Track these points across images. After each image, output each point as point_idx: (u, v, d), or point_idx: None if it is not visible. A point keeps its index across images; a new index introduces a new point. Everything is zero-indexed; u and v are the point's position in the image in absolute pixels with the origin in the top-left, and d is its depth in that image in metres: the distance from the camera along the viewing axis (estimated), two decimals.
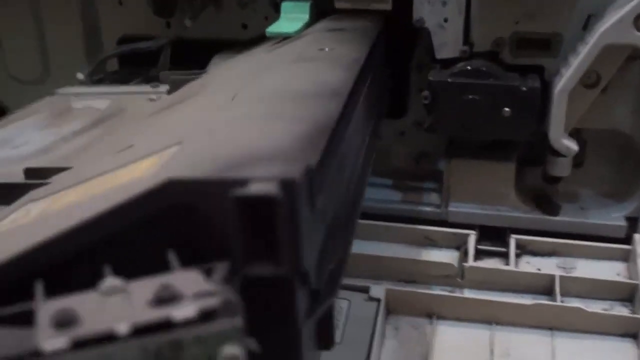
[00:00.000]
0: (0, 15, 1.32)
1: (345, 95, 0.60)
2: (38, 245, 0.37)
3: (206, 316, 0.32)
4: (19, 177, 0.62)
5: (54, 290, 0.34)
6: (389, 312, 0.96)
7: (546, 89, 0.97)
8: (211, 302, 0.32)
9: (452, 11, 0.98)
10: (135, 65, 1.15)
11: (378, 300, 0.97)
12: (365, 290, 0.97)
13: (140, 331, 0.31)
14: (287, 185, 0.36)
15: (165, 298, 0.32)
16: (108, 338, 0.31)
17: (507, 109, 0.96)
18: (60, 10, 1.29)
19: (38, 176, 0.61)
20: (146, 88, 0.99)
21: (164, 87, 0.97)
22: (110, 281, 0.33)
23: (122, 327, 0.31)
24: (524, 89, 0.95)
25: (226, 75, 0.87)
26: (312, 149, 0.44)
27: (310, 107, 0.54)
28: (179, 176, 0.38)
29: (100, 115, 0.84)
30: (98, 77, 1.12)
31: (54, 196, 0.50)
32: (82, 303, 0.32)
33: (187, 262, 0.36)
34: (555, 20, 0.96)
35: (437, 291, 0.99)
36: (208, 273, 0.35)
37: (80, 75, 1.11)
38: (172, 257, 0.36)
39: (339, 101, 0.57)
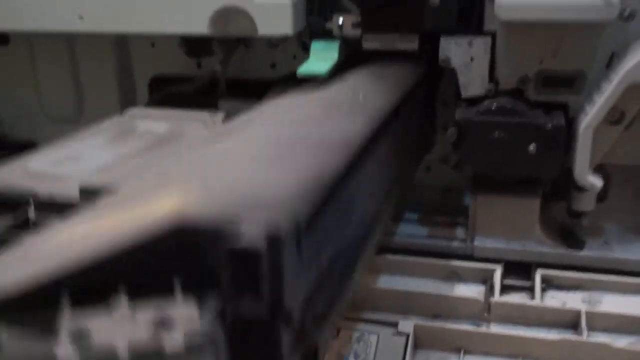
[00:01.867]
0: (38, 56, 1.35)
1: (356, 146, 0.63)
2: (60, 268, 0.42)
3: (193, 349, 0.37)
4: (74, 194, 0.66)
5: (76, 303, 0.41)
6: (417, 346, 0.95)
7: (571, 125, 0.97)
8: (199, 338, 0.37)
9: (478, 51, 0.98)
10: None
11: (407, 335, 0.96)
12: (394, 324, 0.97)
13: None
14: (272, 238, 0.40)
15: (162, 324, 0.37)
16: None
17: (532, 147, 0.96)
18: (95, 52, 1.31)
19: (91, 196, 0.63)
20: (204, 115, 1.00)
21: (221, 115, 0.98)
22: (120, 300, 0.39)
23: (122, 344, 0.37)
24: (550, 126, 0.95)
25: (266, 111, 0.89)
26: (307, 200, 0.48)
27: (318, 155, 0.57)
28: (181, 218, 0.42)
29: (157, 139, 0.87)
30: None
31: (83, 221, 0.53)
32: (94, 319, 0.39)
33: (187, 287, 0.42)
34: (579, 58, 0.96)
35: (465, 326, 0.98)
36: (202, 303, 0.41)
37: None
38: (176, 284, 0.41)
39: (348, 151, 0.60)
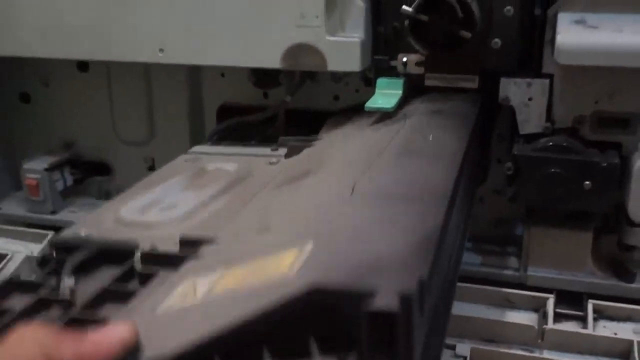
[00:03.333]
0: (115, 83, 1.41)
1: (447, 197, 0.66)
2: (214, 333, 0.46)
3: None
4: (172, 242, 0.68)
5: None
6: None
7: (624, 164, 1.00)
8: None
9: (536, 91, 1.02)
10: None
11: (464, 357, 0.99)
12: (452, 347, 1.00)
13: None
14: (404, 300, 0.43)
15: None
16: None
17: (587, 183, 0.99)
18: (169, 81, 1.37)
19: (191, 246, 0.66)
20: (266, 150, 1.04)
21: (282, 150, 1.03)
22: None
23: None
24: (604, 164, 0.98)
25: (338, 155, 0.91)
26: (424, 259, 0.51)
27: (420, 213, 0.60)
28: (320, 284, 0.45)
29: (231, 179, 0.90)
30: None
31: (214, 277, 0.57)
32: None
33: (324, 347, 0.45)
34: (634, 100, 0.99)
35: (519, 351, 1.01)
36: None
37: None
38: (313, 346, 0.45)
39: (444, 204, 0.63)
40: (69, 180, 1.48)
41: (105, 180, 1.51)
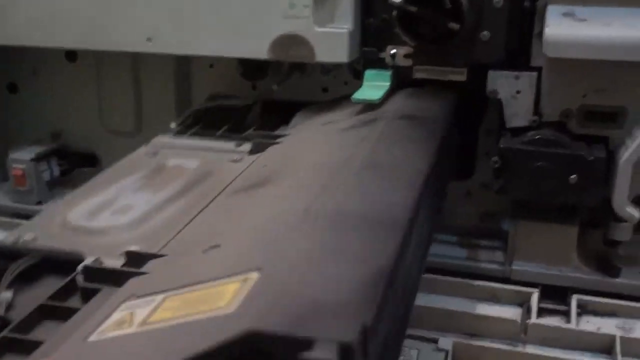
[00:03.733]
0: (103, 73, 1.39)
1: (407, 222, 0.62)
2: None
3: None
4: (120, 251, 0.66)
5: None
6: None
7: (611, 158, 0.99)
8: None
9: (524, 84, 1.01)
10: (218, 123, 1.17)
11: (446, 351, 0.98)
12: (434, 341, 0.99)
13: None
14: (344, 350, 0.41)
15: None
16: None
17: (573, 177, 0.98)
18: (157, 72, 1.36)
19: (136, 261, 0.65)
20: (230, 145, 1.01)
21: (247, 146, 1.00)
22: None
23: None
24: (591, 158, 0.97)
25: (301, 162, 0.85)
26: (372, 297, 0.48)
27: (375, 240, 0.57)
28: (257, 329, 0.43)
29: (189, 180, 0.87)
30: (187, 127, 1.16)
31: (154, 303, 0.54)
32: None
33: None
34: (621, 95, 0.99)
35: (502, 345, 1.00)
36: None
37: (173, 125, 1.16)
38: None
39: (402, 229, 0.60)
40: (56, 171, 1.46)
41: (92, 172, 1.48)
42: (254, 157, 0.96)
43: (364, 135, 0.88)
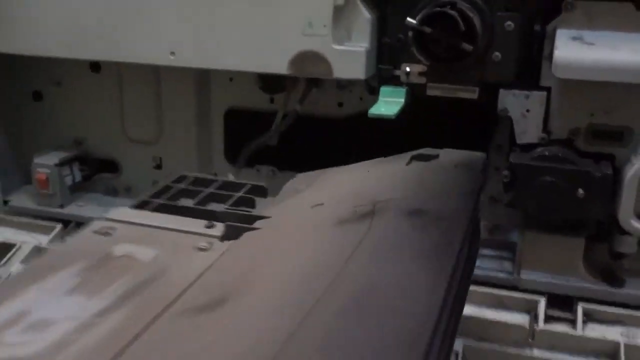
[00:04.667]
0: (125, 84, 1.42)
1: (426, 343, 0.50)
2: None
3: None
4: None
5: None
6: None
7: (616, 174, 1.02)
8: None
9: (533, 103, 1.04)
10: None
11: (457, 353, 1.02)
12: None
13: None
14: None
15: None
16: None
17: (581, 192, 1.01)
18: (178, 83, 1.39)
19: None
20: (200, 227, 0.79)
21: (219, 228, 0.78)
22: None
23: None
24: (598, 174, 1.00)
25: (270, 277, 0.66)
26: None
27: None
28: None
29: (135, 281, 0.67)
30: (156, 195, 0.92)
31: None
32: None
33: None
34: (628, 114, 1.02)
35: (510, 349, 1.04)
36: None
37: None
38: None
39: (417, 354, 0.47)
40: (78, 176, 1.50)
41: (112, 178, 1.52)
42: (224, 245, 0.75)
43: (358, 239, 0.69)
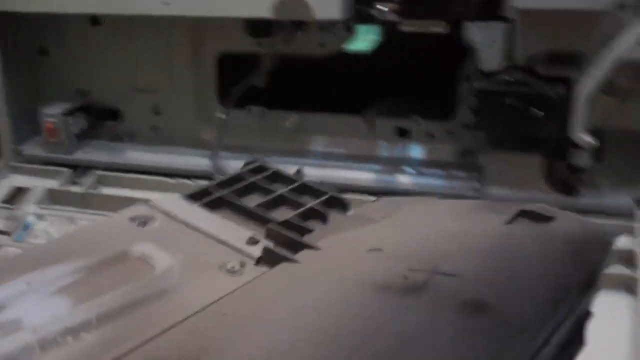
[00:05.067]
0: (125, 38, 1.52)
1: None
2: None
3: None
4: None
5: None
6: None
7: (572, 95, 1.13)
8: None
9: (497, 34, 1.15)
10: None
11: None
12: None
13: None
14: None
15: None
16: None
17: (539, 112, 1.12)
18: (173, 33, 1.49)
19: None
20: (242, 240, 0.70)
21: (259, 247, 0.69)
22: None
23: None
24: (554, 95, 1.11)
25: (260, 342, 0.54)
26: None
27: None
28: None
29: (139, 294, 0.59)
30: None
31: None
32: None
33: None
34: (581, 40, 1.12)
35: None
36: None
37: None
38: None
39: None
40: (84, 125, 1.59)
41: (115, 125, 1.62)
42: (254, 272, 0.66)
43: (386, 318, 0.55)
